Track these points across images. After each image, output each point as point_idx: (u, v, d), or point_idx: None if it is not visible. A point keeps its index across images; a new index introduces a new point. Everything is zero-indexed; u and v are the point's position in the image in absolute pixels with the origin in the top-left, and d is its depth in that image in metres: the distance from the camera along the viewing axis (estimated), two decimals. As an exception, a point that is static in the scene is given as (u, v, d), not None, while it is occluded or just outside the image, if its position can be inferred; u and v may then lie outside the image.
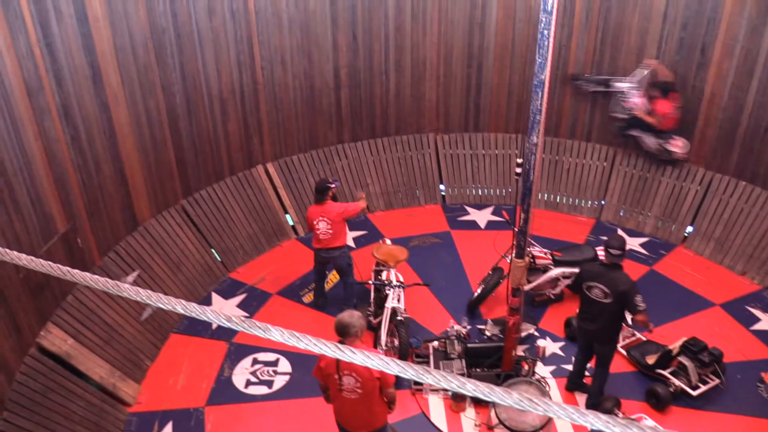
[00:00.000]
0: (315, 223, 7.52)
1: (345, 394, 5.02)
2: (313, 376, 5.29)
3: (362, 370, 4.80)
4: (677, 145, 9.01)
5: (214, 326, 7.73)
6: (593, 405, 6.37)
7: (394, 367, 1.09)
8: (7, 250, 1.18)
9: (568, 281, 7.82)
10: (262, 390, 6.91)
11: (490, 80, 10.03)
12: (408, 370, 1.10)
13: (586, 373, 6.71)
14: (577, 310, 6.41)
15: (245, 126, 8.92)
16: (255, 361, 7.27)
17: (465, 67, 9.98)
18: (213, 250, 8.55)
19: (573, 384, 6.77)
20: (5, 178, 5.48)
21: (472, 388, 1.14)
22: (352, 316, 4.85)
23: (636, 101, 8.85)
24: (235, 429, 6.46)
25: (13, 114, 5.53)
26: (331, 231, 7.51)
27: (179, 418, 6.57)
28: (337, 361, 4.86)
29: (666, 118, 8.85)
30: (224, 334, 7.61)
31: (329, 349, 1.07)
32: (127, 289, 1.07)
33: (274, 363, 7.27)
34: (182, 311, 1.08)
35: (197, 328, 7.70)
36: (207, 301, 8.15)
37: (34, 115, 5.81)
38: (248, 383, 7.00)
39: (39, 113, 5.88)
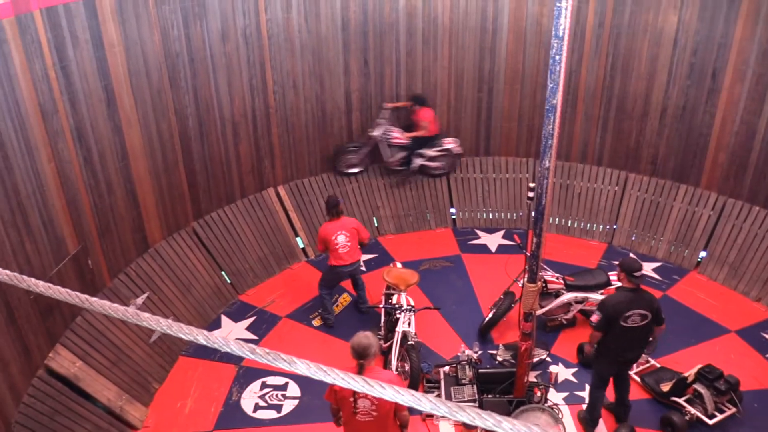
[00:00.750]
0: (333, 238, 7.52)
1: (359, 417, 4.92)
2: (325, 400, 5.22)
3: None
4: (451, 142, 9.93)
5: (224, 349, 7.68)
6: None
7: (426, 403, 1.06)
8: (24, 277, 1.17)
9: (580, 306, 7.74)
10: (271, 414, 6.84)
11: (501, 104, 10.06)
12: (441, 407, 1.07)
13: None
14: (603, 346, 6.06)
15: (257, 149, 8.96)
16: (264, 385, 7.21)
17: (476, 91, 10.02)
18: (223, 273, 8.55)
19: (623, 414, 6.50)
20: (18, 200, 5.52)
21: (508, 427, 1.11)
22: (368, 338, 4.81)
23: (398, 135, 9.74)
24: (243, 454, 6.39)
25: (27, 137, 5.58)
26: (349, 244, 7.59)
27: (187, 443, 6.51)
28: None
29: (432, 122, 9.68)
30: (233, 357, 7.56)
31: (357, 383, 1.04)
32: (147, 318, 1.06)
33: (283, 387, 7.21)
34: (204, 342, 1.07)
35: (207, 351, 7.65)
36: (216, 324, 8.12)
37: (48, 137, 5.87)
38: (257, 407, 6.93)
39: (53, 136, 5.94)
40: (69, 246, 6.34)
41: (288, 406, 6.94)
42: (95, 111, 6.48)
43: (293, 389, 7.16)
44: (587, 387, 6.77)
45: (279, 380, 7.26)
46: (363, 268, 8.30)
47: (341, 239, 7.56)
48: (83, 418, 6.11)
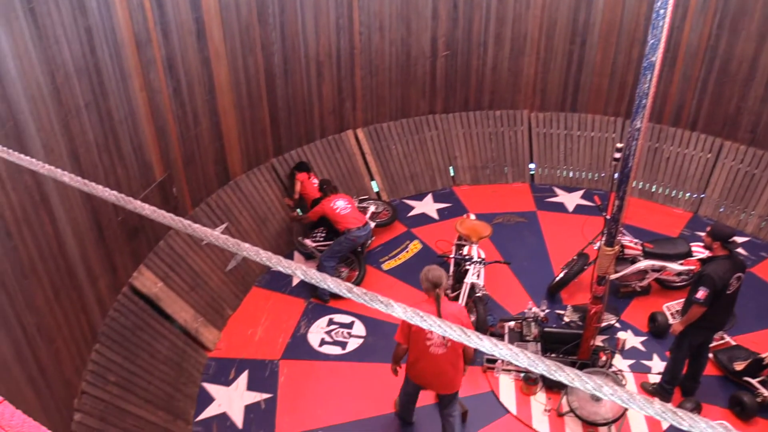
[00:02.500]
0: (332, 205, 7.68)
1: (432, 349, 5.21)
2: (394, 340, 5.40)
3: (454, 320, 5.01)
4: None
5: (295, 283, 7.94)
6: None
7: (523, 359, 1.05)
8: (131, 198, 1.22)
9: (656, 274, 7.49)
10: (336, 350, 7.06)
11: (593, 58, 9.60)
12: (539, 365, 1.06)
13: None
14: (701, 318, 5.83)
15: (339, 90, 8.97)
16: (331, 322, 7.41)
17: (567, 43, 9.59)
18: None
19: (691, 389, 6.38)
20: (111, 125, 5.76)
21: (609, 391, 1.09)
22: (439, 269, 5.19)
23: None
24: (307, 385, 6.65)
25: (121, 65, 5.78)
26: (350, 206, 7.74)
27: (255, 368, 6.82)
28: (438, 313, 5.12)
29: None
30: (303, 292, 7.79)
31: (454, 332, 1.04)
32: (247, 248, 1.08)
33: (349, 325, 7.40)
34: (302, 276, 1.09)
35: (279, 283, 7.92)
36: (289, 259, 8.36)
37: (140, 66, 6.05)
38: (322, 342, 7.16)
39: (145, 65, 6.12)
40: (156, 173, 6.61)
41: (353, 344, 7.13)
42: (186, 43, 6.62)
43: (359, 328, 7.34)
44: (654, 357, 6.61)
45: (346, 318, 7.45)
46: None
47: (341, 203, 7.73)
48: (161, 335, 6.49)
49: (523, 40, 9.60)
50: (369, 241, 8.21)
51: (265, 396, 6.52)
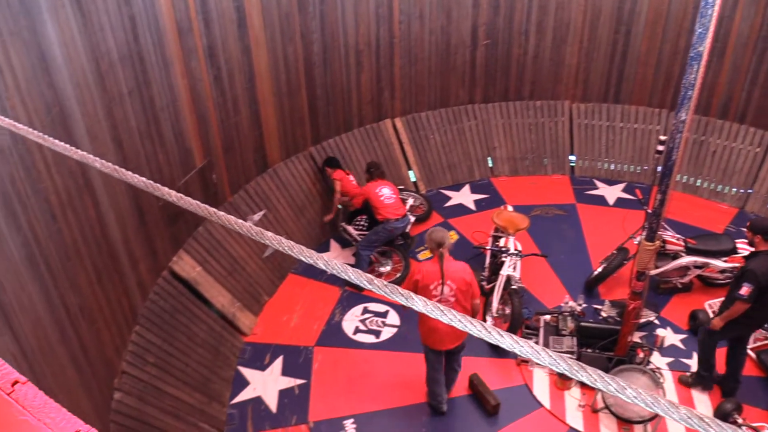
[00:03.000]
0: (377, 191, 7.61)
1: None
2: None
3: (458, 277, 5.49)
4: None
5: (331, 271, 7.98)
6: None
7: (545, 358, 1.04)
8: (159, 185, 1.24)
9: (699, 271, 7.31)
10: (370, 339, 7.09)
11: (638, 48, 9.37)
12: (561, 365, 1.05)
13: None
14: (742, 315, 5.67)
15: (378, 79, 8.95)
16: (365, 310, 7.45)
17: (612, 32, 9.38)
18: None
19: (731, 390, 6.19)
20: (153, 112, 5.86)
21: (615, 387, 1.07)
22: (442, 230, 5.61)
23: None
24: (341, 371, 6.70)
25: (163, 52, 5.87)
26: (394, 195, 7.67)
27: (289, 354, 6.91)
28: (441, 270, 5.49)
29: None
30: (339, 280, 7.85)
31: (475, 328, 1.04)
32: (270, 237, 1.09)
33: (384, 314, 7.42)
34: (323, 267, 1.09)
35: (315, 271, 7.99)
36: (325, 247, 8.42)
37: (182, 54, 6.14)
38: (357, 330, 7.20)
39: (187, 53, 6.20)
40: (196, 159, 6.72)
41: (386, 333, 7.15)
42: (226, 31, 6.69)
43: (393, 318, 7.36)
44: (695, 355, 6.46)
45: (380, 307, 7.47)
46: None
47: (386, 191, 7.65)
48: (199, 319, 6.62)
49: (566, 29, 9.42)
50: (408, 232, 8.15)
51: (299, 382, 6.60)
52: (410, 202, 8.55)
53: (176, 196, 1.23)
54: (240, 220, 1.16)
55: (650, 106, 9.69)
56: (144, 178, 1.31)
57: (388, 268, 8.04)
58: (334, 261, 1.13)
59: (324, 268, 1.14)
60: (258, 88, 7.39)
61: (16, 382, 0.84)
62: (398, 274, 7.89)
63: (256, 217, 7.70)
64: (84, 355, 4.71)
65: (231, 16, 6.68)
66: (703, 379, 6.26)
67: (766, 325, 6.49)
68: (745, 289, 5.50)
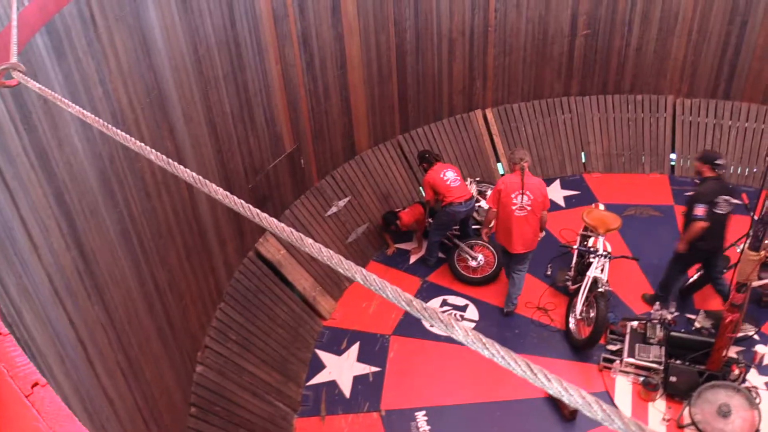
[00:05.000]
0: (441, 175, 7.30)
1: (517, 212, 6.56)
2: (487, 204, 6.93)
3: (536, 189, 6.57)
4: None
5: (411, 261, 7.98)
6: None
7: (598, 411, 0.94)
8: (207, 181, 1.23)
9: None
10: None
11: (755, 41, 8.69)
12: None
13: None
14: (693, 239, 6.33)
15: (470, 68, 8.79)
16: (444, 303, 7.39)
17: (725, 23, 8.74)
18: (421, 188, 8.72)
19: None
20: (246, 96, 6.02)
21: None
22: (522, 149, 7.21)
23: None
24: (416, 362, 6.69)
25: (258, 38, 6.00)
26: (459, 178, 7.40)
27: (366, 341, 6.96)
28: (522, 181, 6.53)
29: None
30: (419, 270, 7.82)
31: (518, 366, 0.97)
32: (310, 245, 1.06)
33: (463, 308, 7.33)
34: (360, 281, 1.05)
35: (397, 260, 8.00)
36: (408, 236, 8.35)
37: (277, 40, 6.25)
38: (434, 322, 7.14)
39: (281, 39, 6.31)
40: (286, 144, 6.85)
41: (464, 327, 7.06)
42: (321, 18, 6.75)
43: (472, 312, 7.26)
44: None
45: (460, 301, 7.40)
46: (477, 218, 8.06)
47: (450, 174, 7.33)
48: (281, 300, 6.78)
49: (674, 20, 8.87)
50: (471, 216, 7.81)
51: (374, 369, 6.64)
52: (488, 193, 8.34)
53: (222, 194, 1.22)
54: (281, 224, 1.14)
55: (764, 104, 8.99)
56: (194, 174, 1.30)
57: (479, 263, 7.71)
58: (373, 276, 1.09)
59: (362, 282, 1.09)
60: (349, 75, 7.43)
61: (36, 384, 0.85)
62: (490, 271, 7.64)
63: (341, 203, 7.79)
64: (170, 328, 4.93)
65: (326, 3, 6.74)
66: (659, 298, 6.87)
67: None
68: (700, 210, 6.18)
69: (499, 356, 0.96)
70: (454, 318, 1.03)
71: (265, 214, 1.14)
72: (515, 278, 7.05)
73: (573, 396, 0.92)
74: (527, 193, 6.50)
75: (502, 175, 9.24)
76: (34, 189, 3.11)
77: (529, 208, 6.55)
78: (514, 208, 6.56)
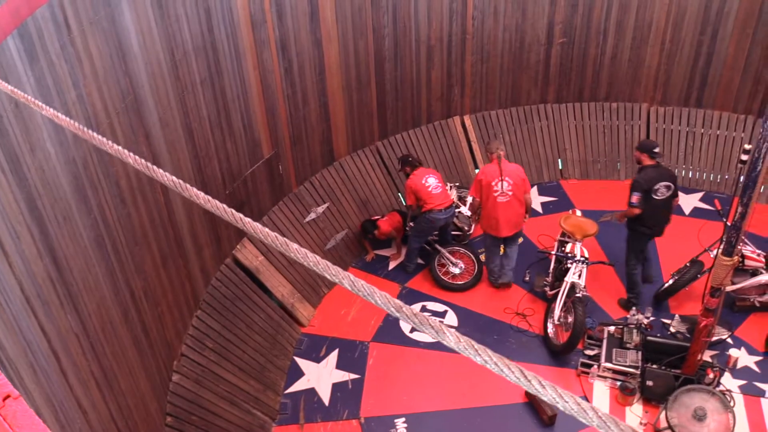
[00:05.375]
0: (423, 181, 7.30)
1: (499, 198, 6.94)
2: (470, 195, 7.31)
3: (514, 174, 6.97)
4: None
5: (390, 267, 7.97)
6: None
7: (594, 419, 0.93)
8: (188, 186, 1.21)
9: (780, 290, 6.88)
10: (426, 338, 7.02)
11: (725, 50, 8.86)
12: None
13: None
14: (638, 223, 6.77)
15: (448, 75, 8.83)
16: (424, 309, 7.38)
17: (697, 33, 8.90)
18: (400, 194, 8.72)
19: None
20: (224, 102, 5.97)
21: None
22: (496, 140, 7.99)
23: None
24: (395, 369, 6.67)
25: (236, 44, 5.96)
26: (440, 185, 7.39)
27: (345, 347, 6.93)
28: (500, 169, 6.94)
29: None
30: (399, 276, 7.81)
31: (512, 373, 0.95)
32: (296, 250, 1.04)
33: (442, 314, 7.33)
34: (348, 287, 1.03)
35: (375, 266, 7.99)
36: (387, 243, 8.36)
37: (255, 46, 6.22)
38: (414, 329, 7.12)
39: (259, 45, 6.28)
40: (264, 150, 6.81)
41: (443, 333, 7.06)
42: (299, 24, 6.73)
43: (451, 318, 7.26)
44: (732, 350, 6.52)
45: (439, 307, 7.40)
46: (461, 226, 8.19)
47: (432, 181, 7.34)
48: (259, 307, 6.72)
49: (648, 29, 9.01)
50: (450, 224, 7.83)
51: (353, 376, 6.60)
52: (469, 200, 8.39)
53: (204, 198, 1.20)
54: (266, 229, 1.12)
55: (735, 112, 9.17)
56: (174, 178, 1.28)
57: (460, 269, 7.75)
58: (361, 282, 1.07)
59: (349, 288, 1.07)
60: (328, 81, 7.42)
61: (8, 397, 0.82)
62: (470, 278, 7.66)
63: (320, 209, 7.75)
64: (145, 336, 4.85)
65: (304, 9, 6.73)
66: (631, 301, 7.13)
67: None
68: (634, 197, 6.58)
69: (492, 363, 0.95)
70: (438, 326, 1.02)
71: (248, 219, 1.13)
72: (508, 252, 7.44)
73: (568, 403, 0.91)
74: (506, 178, 6.90)
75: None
76: (4, 195, 3.04)
77: (510, 193, 6.94)
78: (496, 194, 6.94)
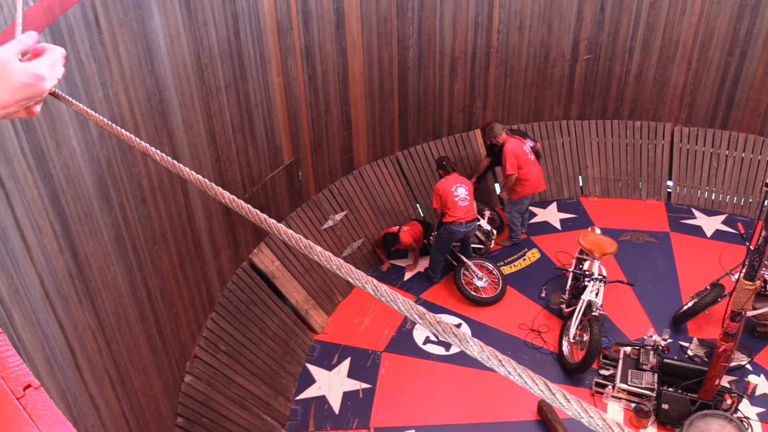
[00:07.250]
0: (453, 189, 7.32)
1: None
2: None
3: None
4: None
5: (406, 278, 7.95)
6: None
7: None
8: (213, 185, 1.21)
9: (802, 317, 6.75)
10: (439, 350, 6.98)
11: (753, 72, 8.76)
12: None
13: None
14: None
15: (471, 88, 8.82)
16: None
17: (725, 54, 8.81)
18: (418, 205, 8.71)
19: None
20: (247, 107, 6.01)
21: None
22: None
23: None
24: (407, 380, 6.63)
25: (262, 49, 6.01)
26: (468, 197, 7.39)
27: (358, 356, 6.90)
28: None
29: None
30: (414, 287, 7.78)
31: (536, 385, 0.93)
32: (318, 253, 1.03)
33: (456, 327, 7.27)
34: (371, 292, 1.02)
35: (391, 276, 7.96)
36: (404, 252, 8.34)
37: (280, 53, 6.26)
38: (427, 340, 7.10)
39: (284, 51, 6.33)
40: (284, 156, 6.84)
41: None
42: (324, 32, 6.77)
43: (465, 331, 7.19)
44: None
45: (454, 320, 7.35)
46: (481, 239, 8.20)
47: (461, 191, 7.35)
48: (273, 312, 6.73)
49: (674, 49, 8.94)
50: (471, 237, 7.83)
51: (365, 386, 6.57)
52: (487, 214, 8.40)
53: (229, 198, 1.20)
54: (290, 231, 1.12)
55: (761, 135, 9.05)
56: (200, 176, 1.28)
57: (484, 283, 7.71)
58: (384, 287, 1.06)
59: (372, 293, 1.06)
60: (351, 89, 7.45)
61: (28, 386, 0.81)
62: (495, 293, 7.61)
63: (338, 217, 7.76)
64: (160, 336, 4.87)
65: (330, 18, 6.77)
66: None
67: None
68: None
69: (515, 374, 0.93)
70: (462, 335, 1.00)
71: (273, 221, 1.12)
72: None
73: (593, 418, 0.89)
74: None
75: (499, 196, 9.26)
76: (29, 190, 3.08)
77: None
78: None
